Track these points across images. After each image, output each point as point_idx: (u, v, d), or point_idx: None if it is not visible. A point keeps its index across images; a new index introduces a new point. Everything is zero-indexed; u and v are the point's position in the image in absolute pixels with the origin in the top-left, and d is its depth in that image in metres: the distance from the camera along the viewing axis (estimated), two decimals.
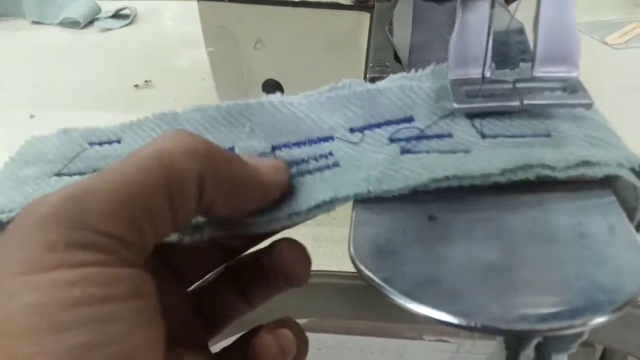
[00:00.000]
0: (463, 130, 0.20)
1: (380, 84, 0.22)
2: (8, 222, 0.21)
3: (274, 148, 0.21)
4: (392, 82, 0.22)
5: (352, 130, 0.21)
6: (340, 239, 0.40)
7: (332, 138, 0.21)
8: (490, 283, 0.16)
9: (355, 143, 0.21)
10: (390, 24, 0.37)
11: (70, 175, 0.22)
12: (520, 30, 0.33)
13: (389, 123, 0.21)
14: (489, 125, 0.20)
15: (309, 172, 0.21)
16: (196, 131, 0.22)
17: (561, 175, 0.18)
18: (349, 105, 0.22)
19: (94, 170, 0.22)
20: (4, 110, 0.64)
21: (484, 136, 0.20)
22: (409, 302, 0.16)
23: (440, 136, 0.20)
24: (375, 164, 0.20)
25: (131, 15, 0.88)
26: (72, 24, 0.85)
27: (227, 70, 0.52)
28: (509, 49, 0.29)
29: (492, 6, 0.20)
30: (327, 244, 0.40)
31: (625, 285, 0.15)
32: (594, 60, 0.69)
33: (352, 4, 0.45)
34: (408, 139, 0.20)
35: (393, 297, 0.16)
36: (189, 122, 0.22)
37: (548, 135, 0.20)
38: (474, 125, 0.20)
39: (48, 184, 0.22)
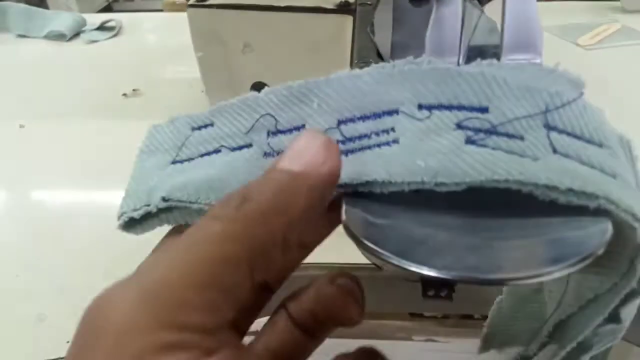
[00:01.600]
0: (536, 137, 0.19)
1: (462, 67, 0.21)
2: (140, 219, 0.23)
3: (339, 122, 0.21)
4: (477, 67, 0.21)
5: (420, 107, 0.20)
6: None
7: (397, 112, 0.20)
8: (470, 241, 0.18)
9: (420, 120, 0.20)
10: (372, 25, 0.39)
11: (181, 162, 0.24)
12: (493, 29, 0.36)
13: (460, 108, 0.20)
14: (564, 142, 0.19)
15: (369, 147, 0.20)
16: (272, 111, 0.22)
17: (619, 213, 0.18)
18: (423, 80, 0.20)
19: (201, 155, 0.23)
20: None
21: (555, 151, 0.19)
22: (397, 260, 0.17)
23: (510, 136, 0.19)
24: (436, 150, 0.19)
25: (117, 27, 0.89)
26: (58, 36, 0.86)
27: (216, 73, 0.54)
28: (484, 48, 0.32)
29: None
30: None
31: (590, 241, 0.17)
32: (566, 61, 0.72)
33: (334, 7, 0.47)
34: (476, 130, 0.19)
35: (383, 256, 0.18)
36: (268, 104, 0.23)
37: (614, 176, 0.19)
38: (549, 137, 0.19)
39: (165, 173, 0.24)
